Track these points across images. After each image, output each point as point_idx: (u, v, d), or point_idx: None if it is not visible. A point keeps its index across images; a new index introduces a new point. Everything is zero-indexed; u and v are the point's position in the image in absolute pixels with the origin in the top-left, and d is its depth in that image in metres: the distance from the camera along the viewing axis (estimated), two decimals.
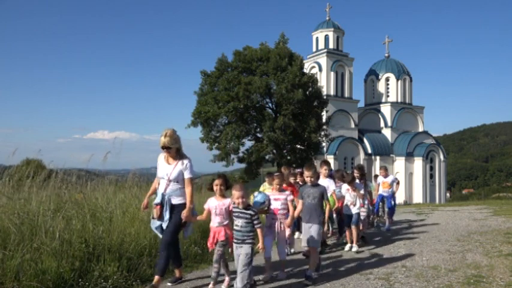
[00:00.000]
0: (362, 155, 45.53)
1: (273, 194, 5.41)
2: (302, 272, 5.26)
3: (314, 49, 47.60)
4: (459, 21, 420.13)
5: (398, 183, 9.94)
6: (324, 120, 31.98)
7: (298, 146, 30.01)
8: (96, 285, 4.39)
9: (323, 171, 7.08)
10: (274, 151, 29.30)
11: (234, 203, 4.53)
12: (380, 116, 49.52)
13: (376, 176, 10.22)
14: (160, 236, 4.71)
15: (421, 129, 50.46)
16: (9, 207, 5.02)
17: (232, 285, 4.47)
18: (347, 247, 6.93)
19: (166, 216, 4.59)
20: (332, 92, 44.65)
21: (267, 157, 30.39)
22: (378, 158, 46.01)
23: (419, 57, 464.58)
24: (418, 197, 46.63)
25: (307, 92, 29.58)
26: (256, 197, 5.06)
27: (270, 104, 30.64)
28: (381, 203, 9.78)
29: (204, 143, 30.72)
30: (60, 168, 6.56)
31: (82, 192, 6.57)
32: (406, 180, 46.36)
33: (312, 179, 5.16)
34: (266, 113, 29.77)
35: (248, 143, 30.90)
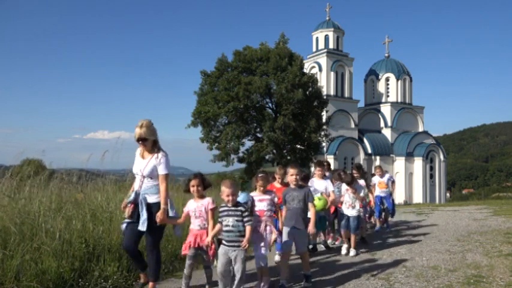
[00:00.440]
0: (362, 155, 45.56)
1: (257, 195, 4.83)
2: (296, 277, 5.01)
3: (314, 49, 47.63)
4: (459, 21, 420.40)
5: (394, 182, 9.84)
6: (324, 120, 31.99)
7: (298, 146, 30.02)
8: (96, 285, 4.39)
9: (317, 172, 6.79)
10: (274, 151, 29.31)
11: (220, 205, 4.16)
12: (380, 116, 49.54)
13: (372, 175, 10.14)
14: (126, 236, 4.32)
15: (421, 129, 50.48)
16: (10, 207, 5.02)
17: None
18: (344, 250, 6.60)
19: (144, 216, 4.17)
20: (332, 92, 44.68)
21: (267, 157, 30.39)
22: (377, 158, 46.04)
23: (419, 57, 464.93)
24: (418, 197, 46.65)
25: (307, 92, 29.58)
26: (238, 197, 4.65)
27: (270, 104, 30.65)
28: (380, 205, 9.48)
29: (204, 143, 30.76)
30: (61, 168, 6.57)
31: (83, 192, 6.58)
32: (406, 180, 46.40)
33: (297, 177, 4.79)
34: (266, 113, 29.78)
35: (248, 143, 30.95)
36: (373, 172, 10.35)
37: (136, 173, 4.34)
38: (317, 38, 47.49)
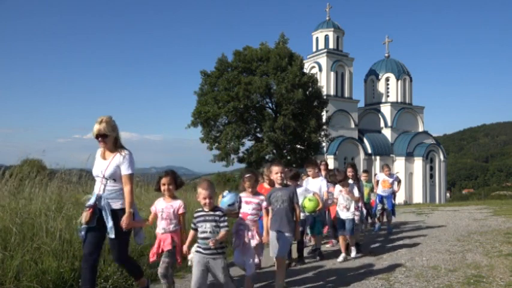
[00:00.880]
0: (362, 155, 45.55)
1: (246, 196, 4.45)
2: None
3: (314, 49, 47.61)
4: (459, 21, 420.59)
5: (399, 182, 9.72)
6: (324, 120, 31.98)
7: (298, 146, 30.01)
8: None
9: (309, 172, 6.58)
10: (274, 151, 29.30)
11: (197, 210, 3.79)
12: (380, 116, 49.53)
13: (375, 175, 10.09)
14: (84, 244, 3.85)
15: (421, 129, 50.47)
16: (11, 207, 5.02)
17: None
18: (341, 258, 6.17)
19: (109, 224, 3.75)
20: (332, 92, 44.65)
21: (267, 157, 30.37)
22: (377, 158, 46.03)
23: (419, 57, 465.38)
24: (418, 197, 46.66)
25: (307, 92, 29.58)
26: (224, 197, 4.46)
27: (270, 104, 30.64)
28: (380, 204, 9.38)
29: (204, 143, 30.74)
30: (61, 168, 6.57)
31: (84, 191, 6.58)
32: (406, 180, 46.32)
33: (282, 176, 4.47)
34: (266, 113, 29.77)
35: (248, 143, 30.93)
36: (376, 172, 10.36)
37: (97, 175, 3.90)
38: (317, 38, 47.47)
